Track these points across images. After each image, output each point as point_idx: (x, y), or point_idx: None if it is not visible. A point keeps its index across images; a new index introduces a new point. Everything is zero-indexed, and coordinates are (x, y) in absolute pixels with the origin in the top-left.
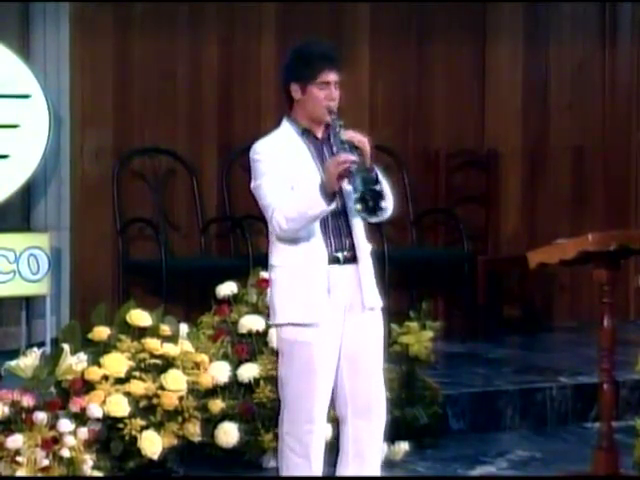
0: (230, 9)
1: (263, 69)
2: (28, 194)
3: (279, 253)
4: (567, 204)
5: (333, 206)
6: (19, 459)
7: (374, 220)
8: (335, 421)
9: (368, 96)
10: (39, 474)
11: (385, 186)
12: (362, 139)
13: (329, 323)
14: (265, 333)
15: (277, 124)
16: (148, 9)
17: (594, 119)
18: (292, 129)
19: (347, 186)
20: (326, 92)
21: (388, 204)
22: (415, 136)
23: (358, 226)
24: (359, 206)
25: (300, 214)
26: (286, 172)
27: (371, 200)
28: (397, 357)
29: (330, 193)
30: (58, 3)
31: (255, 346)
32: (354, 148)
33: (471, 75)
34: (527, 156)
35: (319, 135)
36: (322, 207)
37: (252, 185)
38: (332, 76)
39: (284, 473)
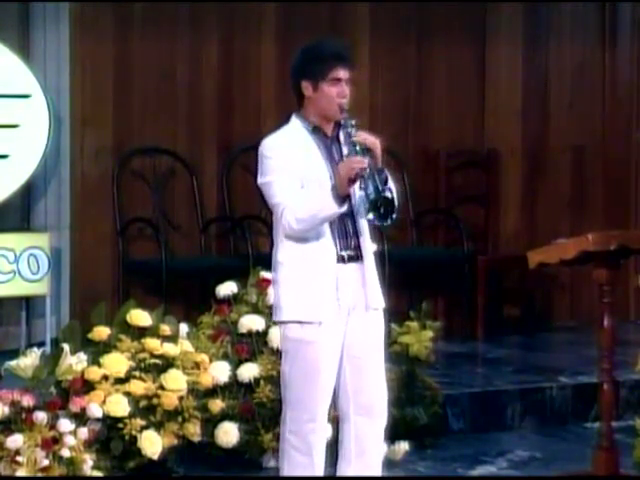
0: (230, 9)
1: (263, 69)
2: (28, 194)
3: (286, 250)
4: (567, 204)
5: (344, 209)
6: (19, 459)
7: (385, 225)
8: (335, 421)
9: (368, 96)
10: (39, 474)
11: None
12: (374, 141)
13: (334, 322)
14: (265, 333)
15: (278, 123)
16: (148, 9)
17: (594, 119)
18: (302, 126)
19: (358, 190)
20: (338, 89)
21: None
22: (415, 136)
23: (364, 227)
24: (371, 214)
25: (311, 215)
26: (296, 170)
27: (383, 207)
28: (397, 357)
29: (342, 196)
30: (58, 3)
31: (255, 346)
32: (366, 150)
33: (471, 75)
34: (527, 156)
35: (329, 133)
36: (333, 210)
37: (259, 181)
38: (343, 73)
39: (285, 472)
